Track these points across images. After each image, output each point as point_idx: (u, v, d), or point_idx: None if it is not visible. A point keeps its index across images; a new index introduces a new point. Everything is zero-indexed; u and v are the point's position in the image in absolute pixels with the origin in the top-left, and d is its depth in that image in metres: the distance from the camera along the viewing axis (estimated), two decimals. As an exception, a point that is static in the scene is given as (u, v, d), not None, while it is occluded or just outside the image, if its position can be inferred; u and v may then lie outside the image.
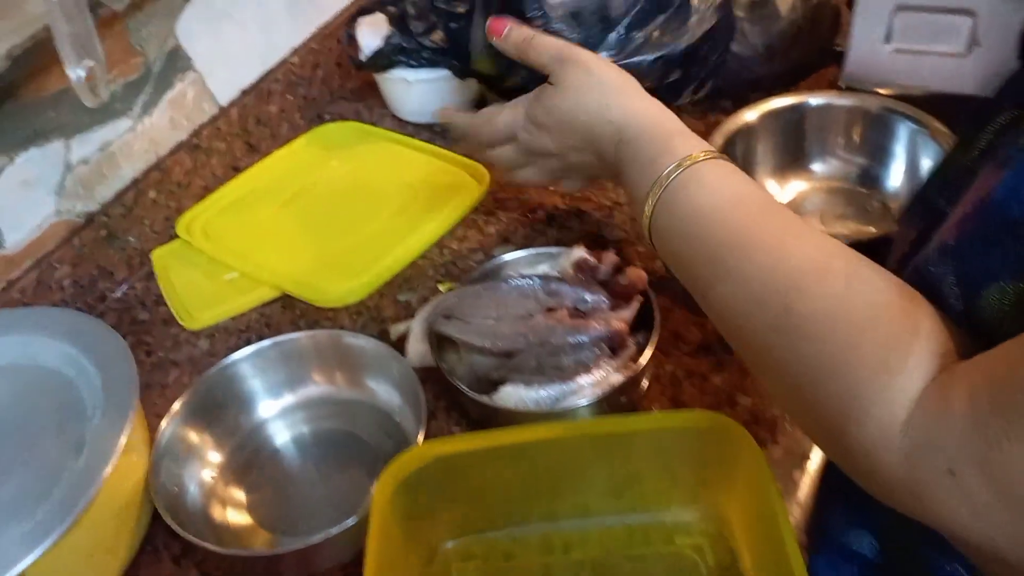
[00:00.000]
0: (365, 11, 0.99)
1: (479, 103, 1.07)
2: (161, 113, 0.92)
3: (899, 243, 0.56)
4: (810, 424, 0.47)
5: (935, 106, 0.81)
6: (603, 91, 0.68)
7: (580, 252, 0.77)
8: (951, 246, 0.44)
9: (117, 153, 0.88)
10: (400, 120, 1.08)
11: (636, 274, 0.73)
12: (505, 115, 0.76)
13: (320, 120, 1.10)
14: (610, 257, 0.76)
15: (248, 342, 0.82)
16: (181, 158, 0.95)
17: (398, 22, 0.95)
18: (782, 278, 0.49)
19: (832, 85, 0.97)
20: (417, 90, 1.02)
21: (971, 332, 0.43)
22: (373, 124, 1.08)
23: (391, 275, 0.87)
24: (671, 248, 0.59)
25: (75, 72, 0.50)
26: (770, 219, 0.54)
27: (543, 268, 0.80)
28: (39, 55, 0.77)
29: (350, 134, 1.07)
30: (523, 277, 0.76)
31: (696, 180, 0.58)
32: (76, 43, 0.48)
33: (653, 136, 0.63)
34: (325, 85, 1.12)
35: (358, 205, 0.96)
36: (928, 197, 0.54)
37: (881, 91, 0.85)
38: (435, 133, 1.05)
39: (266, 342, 0.74)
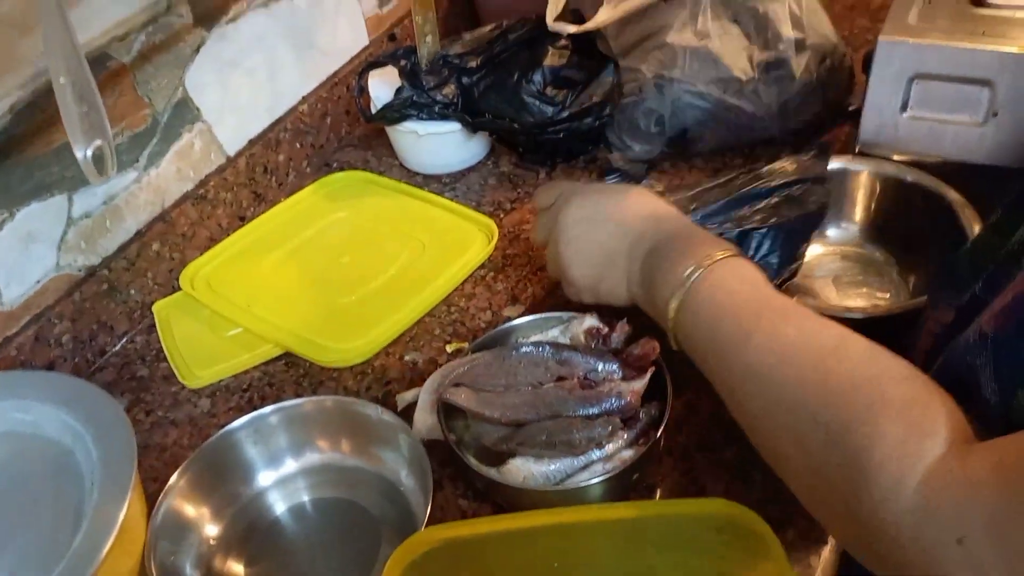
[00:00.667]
0: (376, 64, 0.98)
1: (489, 156, 1.06)
2: (168, 164, 0.91)
3: (931, 322, 0.56)
4: (819, 492, 0.49)
5: (952, 174, 0.80)
6: (640, 197, 0.72)
7: (592, 320, 0.75)
8: (990, 337, 0.44)
9: (121, 206, 0.87)
10: (409, 170, 1.07)
11: (648, 344, 0.72)
12: (563, 183, 0.80)
13: (328, 168, 1.09)
14: (622, 326, 0.74)
15: (250, 402, 0.81)
16: (186, 209, 0.94)
17: (409, 75, 0.94)
18: (804, 354, 0.51)
19: (846, 143, 0.96)
20: (427, 142, 1.01)
21: (1005, 427, 0.42)
22: (381, 173, 1.07)
23: (397, 333, 0.85)
24: (694, 340, 0.60)
25: (82, 152, 0.49)
26: (787, 308, 0.56)
27: (553, 333, 0.78)
28: (42, 109, 0.76)
29: (357, 183, 1.06)
30: (533, 344, 0.74)
31: (717, 278, 0.60)
32: (85, 123, 0.46)
33: (677, 243, 0.65)
34: (333, 133, 1.11)
35: (364, 258, 0.95)
36: (960, 277, 0.54)
37: (897, 157, 0.84)
38: (444, 185, 1.04)
39: (268, 408, 0.72)
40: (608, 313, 0.75)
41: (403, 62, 0.94)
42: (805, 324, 0.53)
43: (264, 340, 0.86)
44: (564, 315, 0.78)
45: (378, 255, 0.94)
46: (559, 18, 0.94)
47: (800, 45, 0.92)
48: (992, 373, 0.44)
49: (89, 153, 0.49)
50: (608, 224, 0.70)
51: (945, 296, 0.56)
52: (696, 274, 0.60)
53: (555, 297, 0.87)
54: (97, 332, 0.86)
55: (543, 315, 0.79)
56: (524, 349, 0.74)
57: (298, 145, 1.06)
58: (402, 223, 0.98)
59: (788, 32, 0.91)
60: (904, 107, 0.82)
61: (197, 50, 0.91)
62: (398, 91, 0.94)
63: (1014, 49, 0.77)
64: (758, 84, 0.92)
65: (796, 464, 0.50)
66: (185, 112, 0.91)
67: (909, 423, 0.43)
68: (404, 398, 0.75)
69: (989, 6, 0.84)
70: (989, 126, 0.79)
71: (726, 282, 0.59)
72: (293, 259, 0.96)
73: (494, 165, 1.06)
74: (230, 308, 0.89)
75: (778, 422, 0.51)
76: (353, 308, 0.89)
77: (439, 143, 1.01)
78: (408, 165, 1.07)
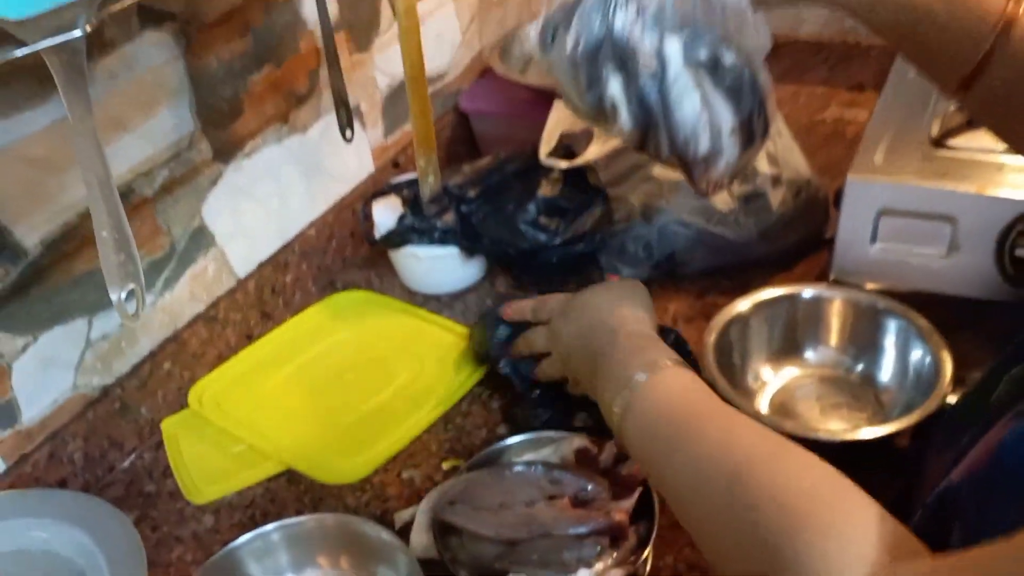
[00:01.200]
0: (381, 193, 1.05)
1: (486, 277, 1.12)
2: (182, 287, 0.96)
3: (932, 473, 0.58)
4: None
5: (922, 302, 0.84)
6: (617, 294, 0.77)
7: (581, 441, 0.79)
8: (956, 486, 0.46)
9: (137, 328, 0.92)
10: (410, 290, 1.13)
11: (636, 464, 0.75)
12: (555, 298, 0.84)
13: (333, 288, 1.14)
14: (610, 446, 0.78)
15: (252, 519, 0.84)
16: (197, 329, 0.98)
17: (412, 204, 1.00)
18: (731, 457, 0.53)
19: (824, 270, 1.01)
20: (427, 265, 1.07)
21: None
22: (383, 293, 1.12)
23: (396, 451, 0.89)
24: (636, 443, 0.63)
25: (117, 295, 0.54)
26: (723, 414, 0.59)
27: (546, 452, 0.82)
28: (70, 241, 0.81)
29: (361, 303, 1.11)
30: (526, 464, 0.78)
31: (660, 384, 0.64)
32: (122, 271, 0.52)
33: (630, 344, 0.69)
34: (338, 254, 1.17)
35: (366, 375, 0.99)
36: (953, 430, 0.56)
37: (870, 285, 0.89)
38: (443, 304, 1.09)
39: (271, 526, 0.75)
40: (597, 430, 0.79)
41: (406, 191, 1.01)
42: (743, 432, 0.55)
43: (268, 457, 0.89)
44: (555, 435, 0.82)
45: (379, 373, 0.99)
46: (552, 153, 1.01)
47: (776, 180, 0.99)
48: (960, 522, 0.46)
49: (123, 295, 0.54)
50: (588, 324, 0.75)
51: (943, 448, 0.58)
52: (640, 379, 0.63)
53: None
54: (108, 449, 0.89)
55: (535, 435, 0.82)
56: (517, 468, 0.77)
57: (305, 266, 1.12)
58: (403, 341, 1.03)
59: (764, 168, 0.98)
60: (873, 239, 0.88)
61: (215, 182, 0.98)
62: (401, 218, 1.01)
63: (973, 189, 0.83)
64: (739, 214, 0.98)
65: (736, 569, 0.51)
66: (201, 239, 0.97)
67: (839, 539, 0.43)
68: (402, 516, 0.78)
69: (949, 148, 0.91)
70: (952, 259, 0.84)
71: (668, 389, 0.63)
72: (298, 376, 1.00)
73: (491, 286, 1.11)
74: (236, 425, 0.93)
75: (714, 530, 0.53)
76: (354, 425, 0.92)
77: (439, 265, 1.07)
78: (409, 285, 1.12)
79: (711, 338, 0.85)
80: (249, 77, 0.99)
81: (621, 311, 0.73)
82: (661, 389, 0.63)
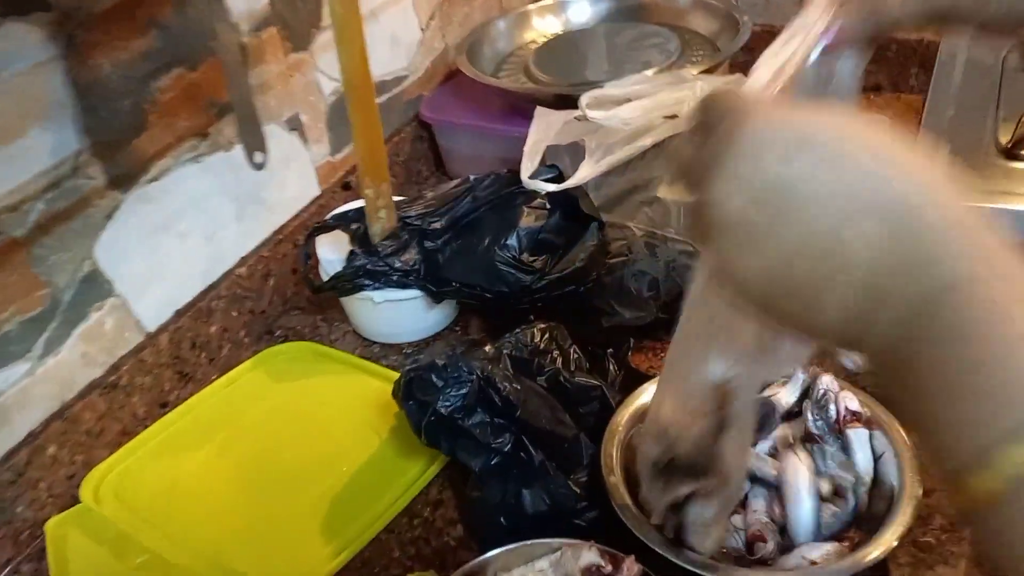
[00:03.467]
0: (323, 228, 0.85)
1: (456, 322, 0.92)
2: (70, 350, 0.76)
3: None
4: None
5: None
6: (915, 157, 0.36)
7: (591, 556, 0.60)
8: None
9: (10, 405, 0.72)
10: (364, 339, 0.93)
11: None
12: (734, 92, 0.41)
13: (270, 338, 0.95)
14: (631, 565, 0.59)
15: (157, 662, 0.64)
16: (93, 401, 0.78)
17: (362, 241, 0.81)
18: None
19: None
20: (385, 310, 0.87)
21: None
22: (332, 343, 0.93)
23: (347, 559, 0.69)
24: None
25: None
26: None
27: (542, 566, 0.63)
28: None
29: (304, 357, 0.91)
30: (518, 591, 0.58)
31: None
32: None
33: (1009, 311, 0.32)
34: (277, 296, 0.97)
35: (310, 453, 0.79)
36: None
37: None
38: (406, 356, 0.90)
39: None
40: (613, 538, 0.60)
41: (355, 225, 0.81)
42: None
43: (179, 570, 0.69)
44: (555, 542, 0.63)
45: (327, 449, 0.79)
46: (534, 174, 0.82)
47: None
48: None
49: None
50: (855, 199, 0.34)
51: None
52: None
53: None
54: (-31, 566, 0.69)
55: (528, 542, 0.63)
56: (507, 599, 0.58)
57: (235, 313, 0.92)
58: (356, 407, 0.83)
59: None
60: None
61: (111, 215, 0.78)
62: (350, 257, 0.81)
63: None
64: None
65: None
66: (93, 287, 0.77)
67: None
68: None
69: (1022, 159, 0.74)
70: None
71: None
72: (223, 456, 0.80)
73: (463, 332, 0.92)
74: (139, 526, 0.73)
75: None
76: (293, 522, 0.73)
77: (398, 311, 0.87)
78: (363, 333, 0.93)
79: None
80: (154, 83, 0.79)
81: (947, 197, 0.35)
82: None
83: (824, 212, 0.34)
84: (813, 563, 0.60)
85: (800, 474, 0.64)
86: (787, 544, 0.62)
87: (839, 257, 0.34)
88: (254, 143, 0.77)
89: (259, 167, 0.78)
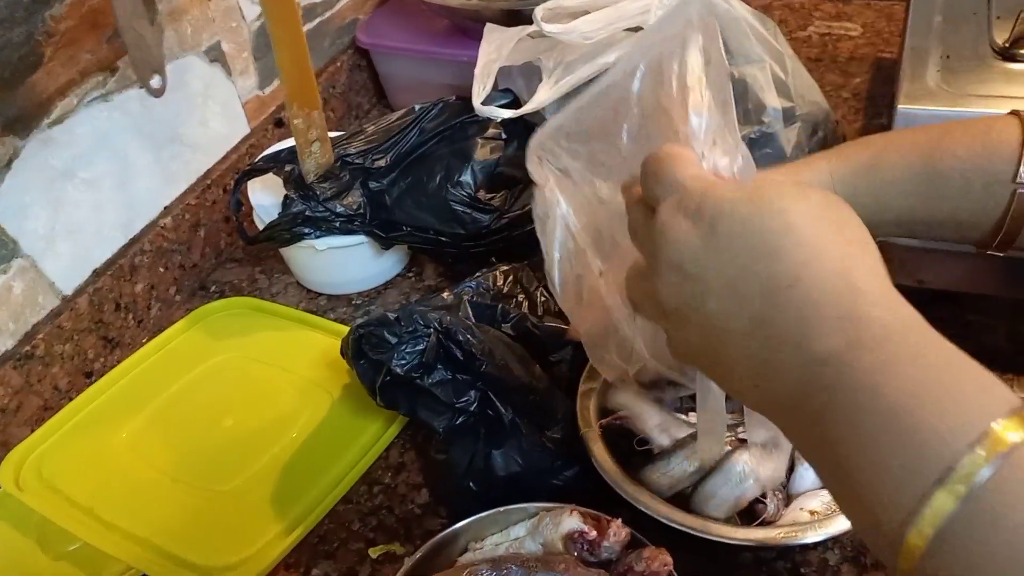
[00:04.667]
0: (254, 171, 0.76)
1: (410, 267, 0.85)
2: (-29, 321, 0.67)
3: None
4: None
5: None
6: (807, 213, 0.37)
7: (573, 521, 0.54)
8: None
9: (-98, 386, 0.63)
10: (309, 290, 0.85)
11: (657, 557, 0.51)
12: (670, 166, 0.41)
13: (204, 294, 0.86)
14: (617, 528, 0.53)
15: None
16: (6, 374, 0.69)
17: (298, 184, 0.72)
18: None
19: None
20: (329, 259, 0.79)
21: None
22: (274, 297, 0.85)
23: (301, 535, 0.63)
24: None
25: None
26: None
27: (518, 532, 0.57)
28: None
29: (243, 313, 0.83)
30: (492, 566, 0.52)
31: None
32: None
33: (912, 358, 0.33)
34: (210, 247, 0.89)
35: (254, 419, 0.72)
36: None
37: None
38: (356, 307, 0.83)
39: None
40: (600, 501, 0.55)
41: (289, 167, 0.72)
42: None
43: (113, 559, 0.62)
44: (531, 507, 0.57)
45: (272, 414, 0.72)
46: (488, 100, 0.74)
47: (789, 116, 0.74)
48: None
49: None
50: (749, 285, 0.36)
51: None
52: (981, 467, 0.30)
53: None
54: None
55: (502, 508, 0.57)
56: (483, 574, 0.52)
57: (162, 269, 0.83)
58: (303, 365, 0.76)
59: (773, 101, 0.73)
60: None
61: (8, 165, 0.68)
62: (286, 203, 0.72)
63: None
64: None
65: None
66: (-6, 248, 0.68)
67: None
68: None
69: (1022, 60, 0.68)
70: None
71: None
72: (157, 426, 0.72)
73: (417, 278, 0.85)
74: (67, 511, 0.65)
75: None
76: (239, 497, 0.66)
77: (344, 258, 0.79)
78: (307, 284, 0.85)
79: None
80: (46, 10, 0.69)
81: (852, 256, 0.36)
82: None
83: (720, 302, 0.37)
84: (813, 512, 0.56)
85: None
86: (789, 496, 0.57)
87: (734, 337, 0.37)
88: (146, 62, 0.66)
89: (157, 93, 0.68)
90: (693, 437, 0.58)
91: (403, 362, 0.59)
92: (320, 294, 0.84)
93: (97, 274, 0.77)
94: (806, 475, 0.57)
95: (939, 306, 0.72)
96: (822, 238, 0.36)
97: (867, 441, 0.33)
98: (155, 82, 0.67)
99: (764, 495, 0.55)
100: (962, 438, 0.30)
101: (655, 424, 0.59)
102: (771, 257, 0.36)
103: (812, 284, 0.35)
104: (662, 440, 0.59)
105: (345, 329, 0.74)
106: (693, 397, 0.57)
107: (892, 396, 0.32)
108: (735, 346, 0.37)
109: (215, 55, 0.87)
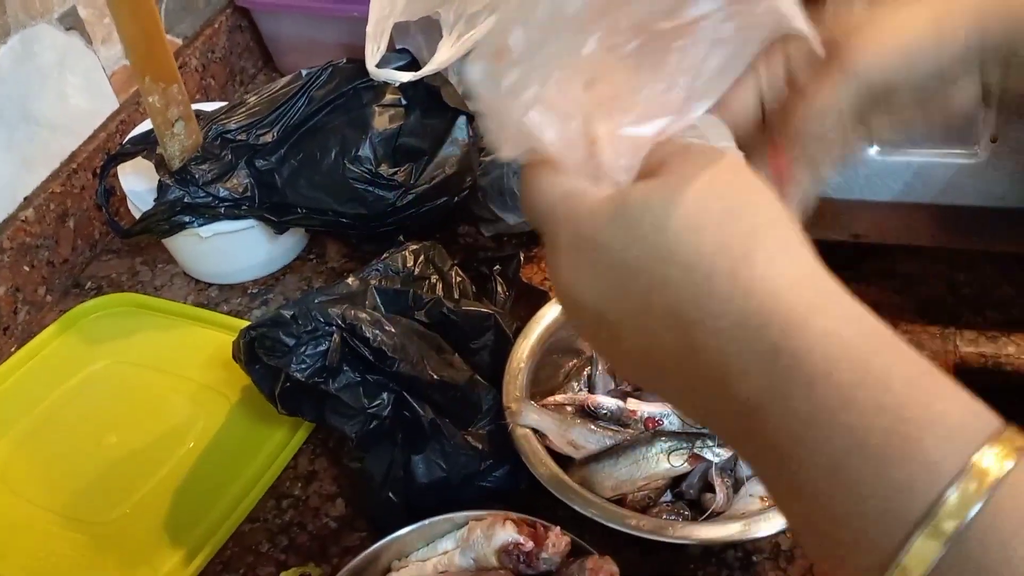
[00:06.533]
0: (122, 156, 0.66)
1: (310, 249, 0.77)
2: None
3: None
4: None
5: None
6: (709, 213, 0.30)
7: (507, 533, 0.49)
8: None
9: None
10: (197, 281, 0.77)
11: (603, 568, 0.46)
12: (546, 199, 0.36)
13: (79, 292, 0.77)
14: (557, 537, 0.48)
15: None
16: None
17: (173, 169, 0.63)
18: None
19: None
20: (216, 246, 0.71)
21: None
22: (158, 292, 0.77)
23: (204, 562, 0.56)
24: None
25: None
26: None
27: (446, 545, 0.52)
28: None
29: (124, 312, 0.75)
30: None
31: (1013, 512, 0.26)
32: None
33: (873, 386, 0.27)
34: (81, 239, 0.79)
35: (144, 431, 0.65)
36: None
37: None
38: (251, 297, 0.75)
39: None
40: (532, 505, 0.50)
41: (160, 149, 0.63)
42: None
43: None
44: (459, 516, 0.52)
45: (161, 427, 0.65)
46: (383, 62, 0.66)
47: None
48: None
49: None
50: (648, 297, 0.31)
51: None
52: (971, 504, 0.25)
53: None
54: None
55: (427, 521, 0.52)
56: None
57: (27, 267, 0.74)
58: (195, 367, 0.69)
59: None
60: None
61: None
62: (161, 190, 0.64)
63: None
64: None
65: None
66: None
67: None
68: None
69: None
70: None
71: None
72: (28, 450, 0.65)
73: (319, 260, 0.77)
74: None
75: None
76: (129, 526, 0.59)
77: (233, 245, 0.72)
78: (195, 275, 0.77)
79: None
80: None
81: (757, 260, 0.29)
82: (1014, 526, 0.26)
83: (635, 339, 0.31)
84: (763, 499, 0.52)
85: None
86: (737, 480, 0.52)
87: (665, 375, 0.32)
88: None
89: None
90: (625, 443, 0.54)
91: (303, 366, 0.52)
92: (210, 285, 0.76)
93: (-54, 279, 0.68)
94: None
95: (875, 260, 0.69)
96: (715, 250, 0.29)
97: (833, 480, 0.27)
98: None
99: (713, 485, 0.51)
100: (944, 473, 0.25)
101: (566, 442, 0.54)
102: (664, 287, 0.30)
103: (719, 314, 0.29)
104: (577, 456, 0.55)
105: (241, 324, 0.67)
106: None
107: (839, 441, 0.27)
108: (670, 384, 0.32)
109: (71, 22, 0.77)
